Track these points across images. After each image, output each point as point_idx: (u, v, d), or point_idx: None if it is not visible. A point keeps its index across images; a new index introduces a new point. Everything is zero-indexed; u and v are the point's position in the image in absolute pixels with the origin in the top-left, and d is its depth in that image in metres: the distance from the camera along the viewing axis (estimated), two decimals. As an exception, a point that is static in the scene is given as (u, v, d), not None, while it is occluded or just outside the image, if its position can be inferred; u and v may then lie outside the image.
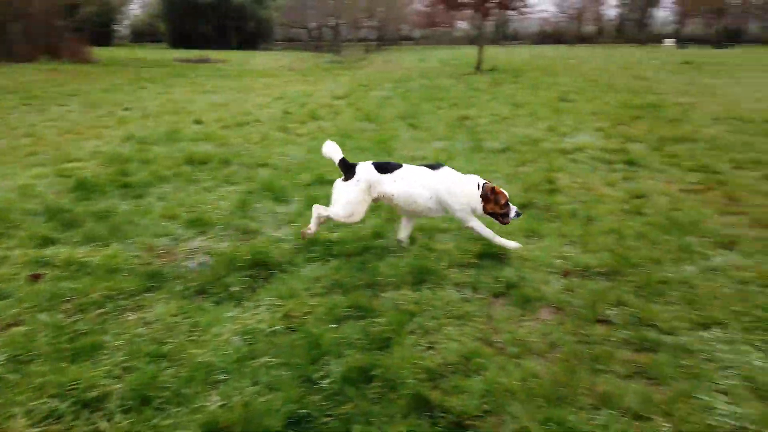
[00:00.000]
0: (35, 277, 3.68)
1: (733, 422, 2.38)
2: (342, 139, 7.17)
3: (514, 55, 34.05)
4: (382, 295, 3.54)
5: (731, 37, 61.81)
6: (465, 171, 4.25)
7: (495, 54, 33.72)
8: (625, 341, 3.02)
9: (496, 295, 3.58)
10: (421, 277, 3.76)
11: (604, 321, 3.24)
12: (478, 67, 22.39)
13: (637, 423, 2.39)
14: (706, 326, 3.15)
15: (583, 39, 63.87)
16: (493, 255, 4.06)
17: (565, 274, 3.83)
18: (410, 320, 3.23)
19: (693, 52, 37.53)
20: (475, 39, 29.35)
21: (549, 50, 42.83)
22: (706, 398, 2.53)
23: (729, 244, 4.25)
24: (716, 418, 2.41)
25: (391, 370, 2.73)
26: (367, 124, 9.90)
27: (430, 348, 3.00)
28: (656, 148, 7.58)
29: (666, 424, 2.37)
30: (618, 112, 10.69)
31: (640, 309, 3.32)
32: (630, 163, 6.83)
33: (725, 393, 2.58)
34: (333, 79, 19.92)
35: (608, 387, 2.60)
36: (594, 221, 4.82)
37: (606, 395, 2.54)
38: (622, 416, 2.42)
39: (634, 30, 66.14)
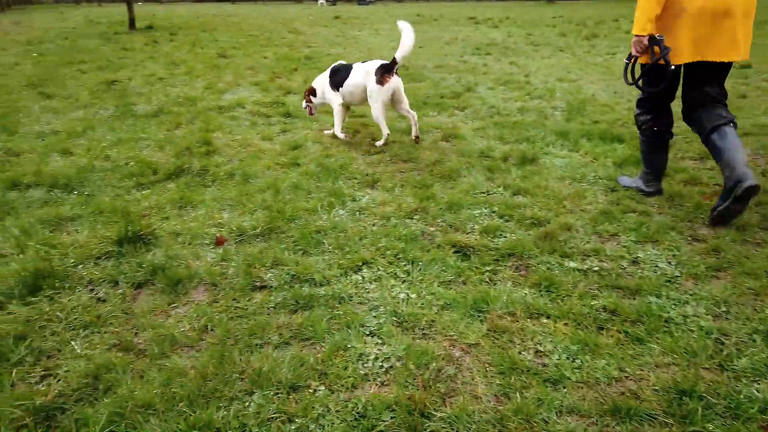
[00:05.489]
0: None
1: (381, 363, 2.36)
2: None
3: (173, 13, 31.86)
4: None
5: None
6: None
7: (151, 11, 31.15)
8: (281, 304, 2.81)
9: (140, 285, 3.02)
10: (36, 284, 2.95)
11: (262, 287, 2.99)
12: (132, 26, 20.11)
13: (293, 395, 2.19)
14: (357, 269, 3.16)
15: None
16: (138, 238, 3.45)
17: (219, 242, 3.47)
18: (16, 348, 2.47)
19: (341, 8, 40.75)
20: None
21: (211, 8, 41.33)
22: (358, 346, 2.46)
23: (372, 183, 4.47)
24: (367, 364, 2.36)
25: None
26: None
27: (45, 376, 2.32)
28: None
29: (321, 387, 2.22)
30: (275, 66, 10.71)
31: (296, 264, 3.17)
32: (287, 115, 6.80)
33: (375, 335, 2.57)
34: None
35: (262, 363, 2.34)
36: (251, 179, 4.57)
37: (259, 373, 2.27)
38: (277, 393, 2.18)
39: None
